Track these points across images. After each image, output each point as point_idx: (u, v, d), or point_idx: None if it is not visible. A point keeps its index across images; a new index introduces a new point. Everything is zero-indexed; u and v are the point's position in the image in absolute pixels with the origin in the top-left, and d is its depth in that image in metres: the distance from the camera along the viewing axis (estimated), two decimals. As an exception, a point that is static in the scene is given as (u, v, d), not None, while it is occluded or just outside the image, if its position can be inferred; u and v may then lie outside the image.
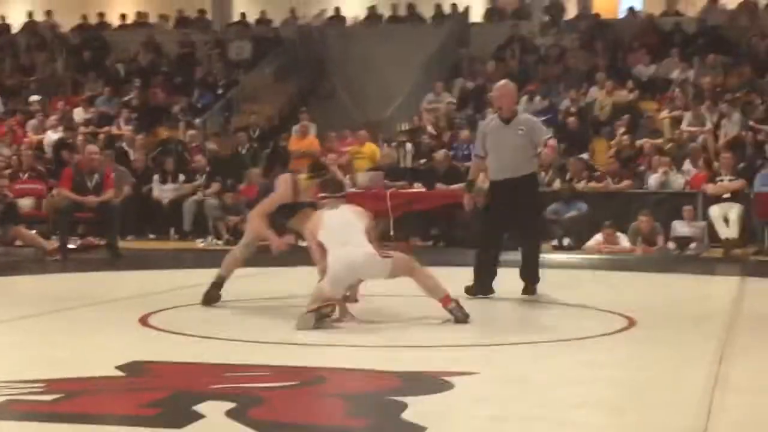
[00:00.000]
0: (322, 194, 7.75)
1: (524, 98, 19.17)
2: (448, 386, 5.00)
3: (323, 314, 6.91)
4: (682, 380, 5.30)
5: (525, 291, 9.10)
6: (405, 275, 7.31)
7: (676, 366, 5.74)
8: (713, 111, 17.66)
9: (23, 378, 5.11)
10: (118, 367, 5.38)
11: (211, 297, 8.09)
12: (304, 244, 7.94)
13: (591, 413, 4.56)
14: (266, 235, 7.94)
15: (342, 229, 7.30)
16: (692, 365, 5.69)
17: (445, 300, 7.25)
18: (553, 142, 9.27)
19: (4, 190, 13.13)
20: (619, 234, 14.24)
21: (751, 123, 16.90)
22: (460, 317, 7.18)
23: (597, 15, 23.32)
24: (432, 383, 5.10)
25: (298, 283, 8.28)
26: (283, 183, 8.00)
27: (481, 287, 9.02)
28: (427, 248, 14.48)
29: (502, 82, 9.50)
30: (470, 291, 8.95)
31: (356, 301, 7.91)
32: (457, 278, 8.69)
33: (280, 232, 8.07)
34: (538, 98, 19.05)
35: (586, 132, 17.67)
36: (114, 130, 19.89)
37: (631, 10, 24.38)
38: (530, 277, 9.15)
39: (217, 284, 8.15)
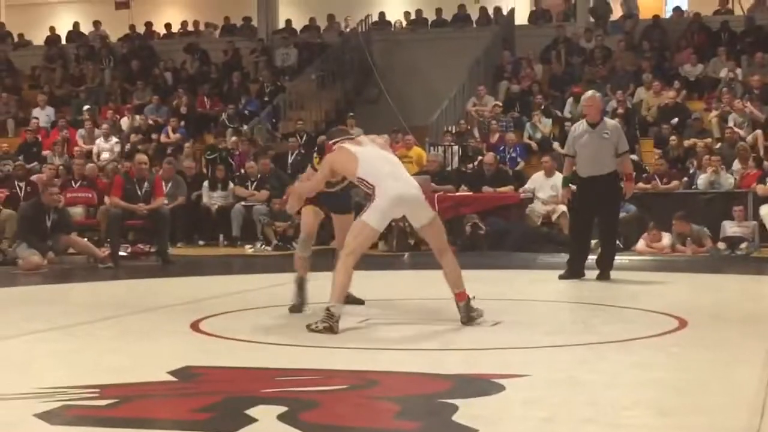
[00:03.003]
0: (333, 141, 7.43)
1: (569, 100, 19.15)
2: (499, 388, 5.00)
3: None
4: (734, 381, 5.26)
5: (600, 277, 10.33)
6: (438, 242, 7.23)
7: (728, 367, 5.70)
8: (762, 110, 17.51)
9: (78, 384, 5.17)
10: (171, 373, 5.43)
11: (297, 307, 7.95)
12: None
13: (642, 415, 4.54)
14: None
15: (386, 163, 7.21)
16: (744, 366, 5.64)
17: (462, 295, 7.18)
18: (628, 162, 10.71)
19: (54, 199, 13.23)
20: (664, 234, 14.17)
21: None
22: (465, 318, 7.12)
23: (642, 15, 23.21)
24: (483, 386, 5.10)
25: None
26: (305, 178, 7.98)
27: (573, 271, 10.36)
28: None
29: (589, 93, 10.96)
30: (564, 276, 10.35)
31: (362, 302, 8.00)
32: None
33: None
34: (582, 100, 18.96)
35: (633, 133, 17.59)
36: (163, 138, 20.09)
37: (677, 9, 24.21)
38: (606, 263, 10.45)
39: (300, 286, 8.01)
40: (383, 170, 7.11)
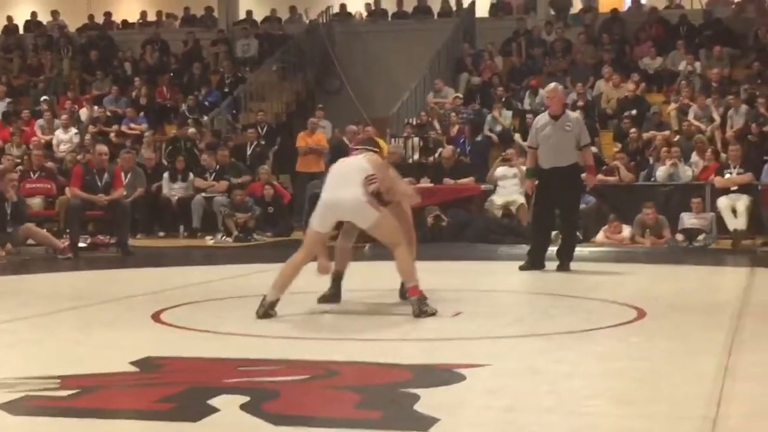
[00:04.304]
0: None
1: (527, 93, 19.25)
2: (460, 378, 5.03)
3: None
4: (692, 370, 5.32)
5: (560, 267, 10.37)
6: (387, 241, 7.33)
7: (686, 356, 5.76)
8: (720, 103, 17.67)
9: (39, 374, 5.16)
10: (132, 363, 5.43)
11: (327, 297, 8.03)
12: None
13: (602, 404, 4.59)
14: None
15: (340, 174, 7.48)
16: (702, 355, 5.71)
17: (413, 290, 7.22)
18: (589, 153, 10.84)
19: (13, 186, 13.08)
20: (624, 226, 14.30)
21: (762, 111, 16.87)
22: (417, 312, 7.11)
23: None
24: (444, 375, 5.13)
25: (310, 278, 8.29)
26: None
27: (534, 262, 10.38)
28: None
29: (552, 86, 11.04)
30: (524, 267, 10.37)
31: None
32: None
33: None
34: (543, 92, 19.04)
35: (593, 125, 17.68)
36: (122, 129, 19.95)
37: (636, 2, 24.36)
38: (566, 254, 10.52)
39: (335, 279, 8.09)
40: (329, 178, 7.51)
